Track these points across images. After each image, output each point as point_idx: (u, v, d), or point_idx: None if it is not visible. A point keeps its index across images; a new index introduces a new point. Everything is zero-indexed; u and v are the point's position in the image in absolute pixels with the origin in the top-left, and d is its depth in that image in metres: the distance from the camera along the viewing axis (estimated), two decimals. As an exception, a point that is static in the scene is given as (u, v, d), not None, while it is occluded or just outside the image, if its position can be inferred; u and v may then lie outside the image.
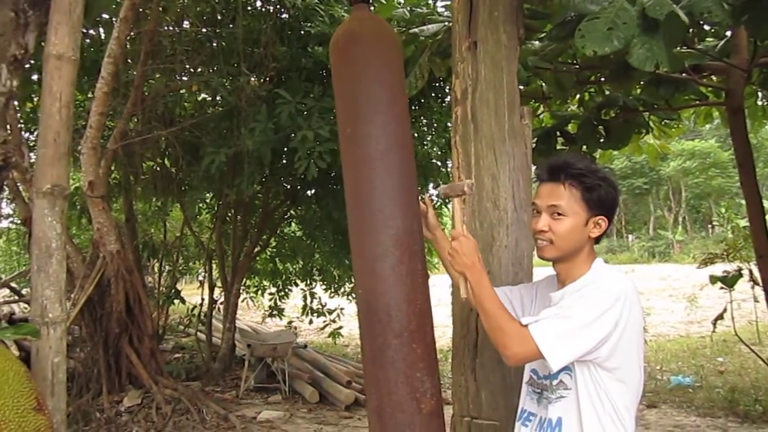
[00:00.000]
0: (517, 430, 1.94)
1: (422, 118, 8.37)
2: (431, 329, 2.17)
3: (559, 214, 1.77)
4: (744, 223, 13.63)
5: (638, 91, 5.29)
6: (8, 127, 1.76)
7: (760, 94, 5.89)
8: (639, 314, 1.74)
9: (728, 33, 4.49)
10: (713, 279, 5.90)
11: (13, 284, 8.83)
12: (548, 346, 1.64)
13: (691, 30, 3.94)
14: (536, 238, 1.84)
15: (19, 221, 8.77)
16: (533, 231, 1.85)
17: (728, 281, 5.87)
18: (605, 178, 1.81)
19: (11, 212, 10.07)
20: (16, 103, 7.21)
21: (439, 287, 7.63)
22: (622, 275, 1.80)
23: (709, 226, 40.66)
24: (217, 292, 9.54)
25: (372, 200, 2.11)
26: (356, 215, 2.18)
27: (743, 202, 5.23)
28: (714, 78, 5.22)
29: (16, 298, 8.80)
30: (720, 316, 6.19)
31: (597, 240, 1.86)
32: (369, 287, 2.11)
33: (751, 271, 6.22)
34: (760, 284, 5.17)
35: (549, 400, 1.80)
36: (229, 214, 9.56)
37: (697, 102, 5.50)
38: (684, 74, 4.39)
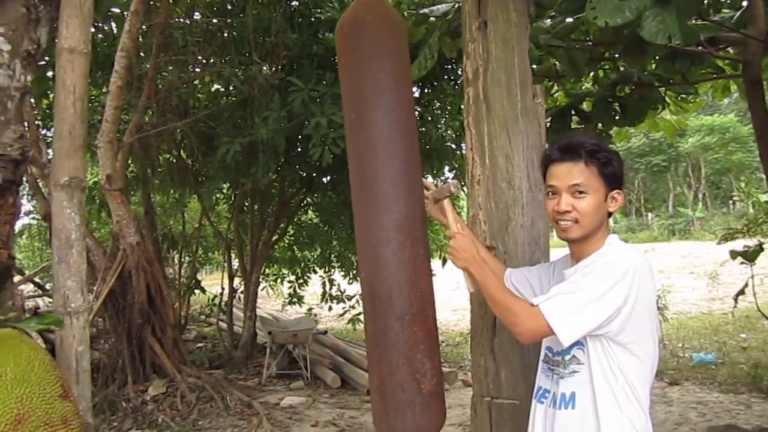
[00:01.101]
0: (533, 408, 1.95)
1: (435, 101, 8.33)
2: (433, 312, 2.20)
3: (581, 192, 1.76)
4: (765, 197, 13.46)
5: (653, 66, 5.23)
6: (26, 123, 1.78)
7: (778, 65, 5.78)
8: (651, 288, 1.75)
9: (744, 3, 4.41)
10: (734, 254, 5.83)
11: (36, 279, 8.98)
12: (558, 321, 1.66)
13: (705, 1, 3.87)
14: (558, 219, 1.80)
15: (39, 217, 8.88)
16: (553, 213, 1.82)
17: (749, 256, 5.80)
18: (614, 152, 1.83)
19: (32, 209, 10.23)
20: (32, 100, 7.29)
21: (458, 271, 7.64)
22: (634, 250, 1.81)
23: (730, 202, 40.20)
24: (237, 281, 9.62)
25: (375, 185, 2.13)
26: (360, 200, 2.20)
27: (764, 176, 5.15)
28: (731, 50, 5.14)
29: (40, 292, 8.95)
30: (741, 292, 6.12)
31: (609, 214, 1.86)
32: (372, 271, 2.14)
33: (772, 246, 6.14)
34: (782, 258, 5.11)
35: (561, 376, 1.81)
36: (246, 204, 9.61)
37: (714, 75, 5.42)
38: (700, 47, 4.32)
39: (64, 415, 1.43)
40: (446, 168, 8.74)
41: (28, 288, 9.63)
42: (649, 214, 44.13)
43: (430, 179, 8.75)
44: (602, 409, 1.71)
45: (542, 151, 2.01)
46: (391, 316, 2.07)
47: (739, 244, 6.16)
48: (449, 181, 2.44)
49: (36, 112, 7.32)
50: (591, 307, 1.65)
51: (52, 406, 1.41)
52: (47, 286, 8.69)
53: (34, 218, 11.69)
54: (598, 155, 1.76)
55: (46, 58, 5.52)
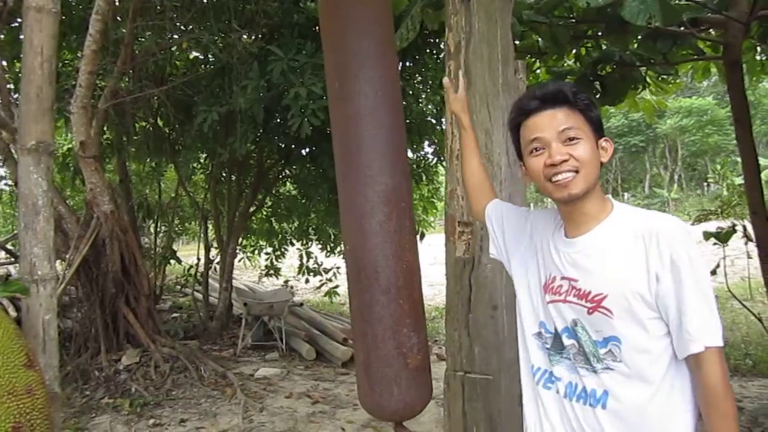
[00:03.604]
0: (530, 389, 1.71)
1: (417, 74, 8.26)
2: (419, 286, 2.18)
3: (573, 138, 1.54)
4: (739, 180, 13.64)
5: (635, 45, 5.22)
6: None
7: (758, 48, 5.81)
8: None
9: (728, -15, 4.41)
10: (707, 235, 5.91)
11: (9, 246, 8.83)
12: (719, 338, 1.42)
13: (689, -19, 3.86)
14: (553, 175, 1.54)
15: (12, 183, 8.71)
16: (544, 171, 1.56)
17: (721, 237, 5.89)
18: (590, 98, 1.67)
19: (3, 174, 10.03)
20: (5, 63, 7.08)
21: (435, 246, 7.66)
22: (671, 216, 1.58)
23: (705, 184, 40.74)
24: (213, 252, 9.56)
25: (360, 156, 2.10)
26: (344, 171, 2.16)
27: (739, 159, 5.21)
28: (712, 32, 5.15)
29: (12, 260, 8.82)
30: (713, 272, 6.22)
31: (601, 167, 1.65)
32: (357, 244, 2.11)
33: (744, 228, 6.24)
34: (753, 240, 5.20)
35: (593, 369, 1.53)
36: (224, 174, 9.52)
37: (695, 57, 5.43)
38: (682, 28, 4.32)
39: (29, 384, 1.40)
40: (426, 143, 8.70)
41: (0, 255, 9.49)
42: (626, 194, 44.59)
43: (410, 153, 8.72)
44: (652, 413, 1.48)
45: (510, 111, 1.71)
46: (376, 289, 2.05)
47: (712, 226, 6.25)
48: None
49: (8, 75, 7.13)
50: (713, 300, 1.44)
51: (15, 376, 1.38)
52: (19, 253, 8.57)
53: (6, 184, 11.47)
54: (580, 98, 1.58)
55: (19, 21, 5.36)
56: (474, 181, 2.06)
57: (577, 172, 1.53)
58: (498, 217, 1.93)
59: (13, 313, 6.74)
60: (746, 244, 6.35)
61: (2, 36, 6.77)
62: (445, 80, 2.17)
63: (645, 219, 1.53)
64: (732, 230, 5.97)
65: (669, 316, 1.45)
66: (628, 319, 1.48)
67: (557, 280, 1.63)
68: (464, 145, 2.11)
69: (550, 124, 1.56)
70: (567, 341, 1.59)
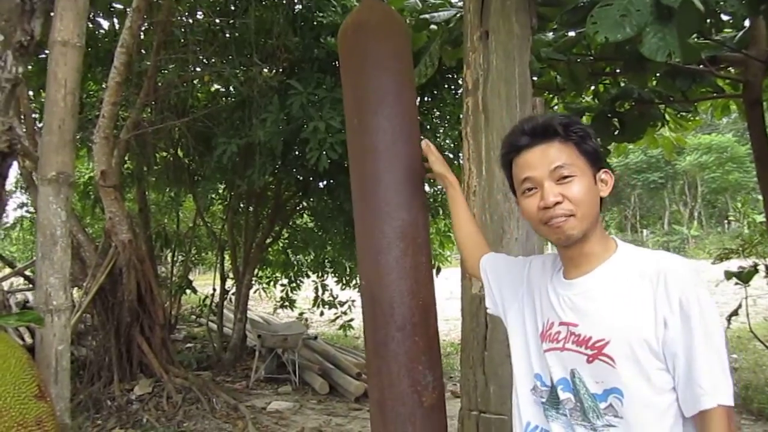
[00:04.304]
0: None
1: (435, 110, 8.32)
2: (435, 322, 2.15)
3: (567, 176, 1.41)
4: (761, 218, 13.47)
5: (654, 83, 5.22)
6: (22, 116, 1.75)
7: (779, 87, 5.78)
8: None
9: (746, 23, 4.41)
10: (728, 274, 5.81)
11: (27, 272, 8.91)
12: (731, 397, 1.30)
13: (708, 20, 3.86)
14: (548, 219, 1.43)
15: (33, 210, 8.83)
16: (538, 213, 1.45)
17: (743, 277, 5.78)
18: (588, 126, 1.51)
19: (26, 201, 10.18)
20: (31, 93, 7.24)
21: (452, 280, 7.61)
22: (680, 258, 1.46)
23: (725, 221, 40.28)
24: (229, 282, 9.57)
25: (377, 192, 2.09)
26: (361, 206, 2.16)
27: (760, 197, 5.15)
28: (732, 70, 5.14)
29: (31, 286, 8.89)
30: (735, 312, 6.10)
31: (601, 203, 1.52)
32: (373, 279, 2.10)
33: (767, 267, 6.13)
34: (776, 280, 5.10)
35: (592, 427, 1.40)
36: (242, 205, 9.58)
37: (714, 94, 5.41)
38: (701, 66, 4.31)
39: (39, 416, 1.39)
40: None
41: (19, 281, 9.56)
42: (645, 231, 44.17)
43: (426, 187, 8.72)
44: None
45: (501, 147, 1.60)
46: (392, 325, 2.03)
47: (734, 264, 6.14)
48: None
49: (33, 105, 7.28)
50: (725, 353, 1.32)
51: (26, 407, 1.37)
52: (37, 281, 8.64)
53: (27, 211, 11.64)
54: (573, 129, 1.45)
55: (46, 52, 5.50)
56: (465, 236, 1.99)
57: (573, 214, 1.41)
58: (493, 270, 1.81)
59: (29, 339, 6.78)
60: (769, 283, 6.24)
61: (30, 66, 6.94)
62: (424, 143, 2.15)
63: (652, 259, 1.42)
64: (754, 270, 5.86)
65: (676, 367, 1.32)
66: (632, 368, 1.34)
67: (555, 326, 1.49)
68: (452, 202, 2.05)
69: (542, 161, 1.44)
70: (563, 395, 1.45)
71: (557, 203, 1.41)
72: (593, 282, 1.45)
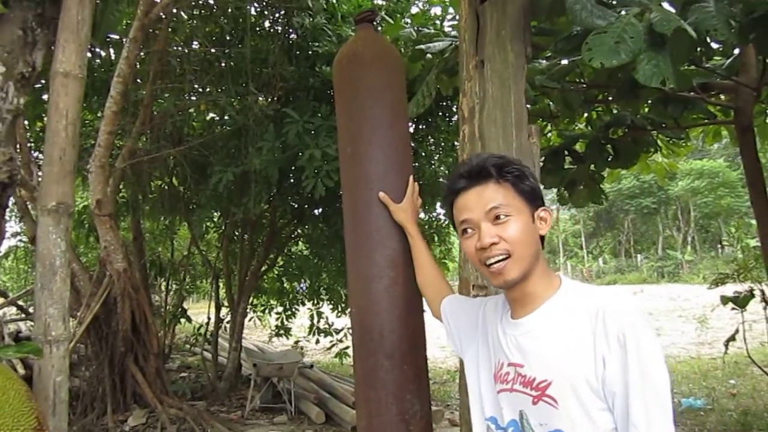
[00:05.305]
0: None
1: (430, 137, 8.38)
2: (424, 351, 2.16)
3: (502, 216, 1.44)
4: (754, 243, 13.53)
5: (646, 109, 5.29)
6: (18, 145, 1.76)
7: (769, 113, 5.86)
8: None
9: (736, 51, 4.48)
10: (724, 299, 5.82)
11: (20, 302, 8.84)
12: None
13: (699, 48, 3.93)
14: (486, 259, 1.44)
15: (26, 239, 8.79)
16: (477, 254, 1.46)
17: (740, 302, 5.79)
18: (525, 166, 1.54)
19: (19, 230, 10.13)
20: (26, 122, 7.27)
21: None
22: (627, 296, 1.43)
23: (719, 246, 40.42)
24: (223, 311, 9.51)
25: (369, 220, 2.12)
26: (353, 235, 2.18)
27: (753, 221, 5.18)
28: (723, 96, 5.21)
29: (23, 316, 8.81)
30: (732, 338, 6.10)
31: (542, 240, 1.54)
32: (363, 306, 2.11)
33: (763, 292, 6.14)
34: (772, 305, 5.11)
35: None
36: (237, 233, 9.56)
37: (706, 121, 5.47)
38: (692, 93, 4.37)
39: (38, 449, 1.37)
40: (438, 204, 8.74)
41: (11, 311, 9.48)
42: (639, 256, 44.27)
43: (422, 215, 8.75)
44: None
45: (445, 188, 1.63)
46: (381, 353, 2.04)
47: (729, 289, 6.16)
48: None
49: (29, 134, 7.30)
50: (667, 396, 1.30)
51: (25, 440, 1.35)
52: (31, 310, 8.56)
53: (20, 240, 11.58)
54: (507, 170, 1.48)
55: (43, 81, 5.53)
56: (428, 284, 2.03)
57: (509, 255, 1.42)
58: (452, 312, 1.82)
59: (21, 371, 6.70)
60: (765, 308, 6.24)
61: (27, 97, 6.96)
62: (382, 195, 2.14)
63: (594, 297, 1.40)
64: (750, 295, 5.87)
65: (615, 406, 1.31)
66: (575, 409, 1.33)
67: (504, 366, 1.49)
68: (414, 250, 2.09)
69: (478, 203, 1.47)
70: None
71: (493, 244, 1.42)
72: (536, 321, 1.45)
